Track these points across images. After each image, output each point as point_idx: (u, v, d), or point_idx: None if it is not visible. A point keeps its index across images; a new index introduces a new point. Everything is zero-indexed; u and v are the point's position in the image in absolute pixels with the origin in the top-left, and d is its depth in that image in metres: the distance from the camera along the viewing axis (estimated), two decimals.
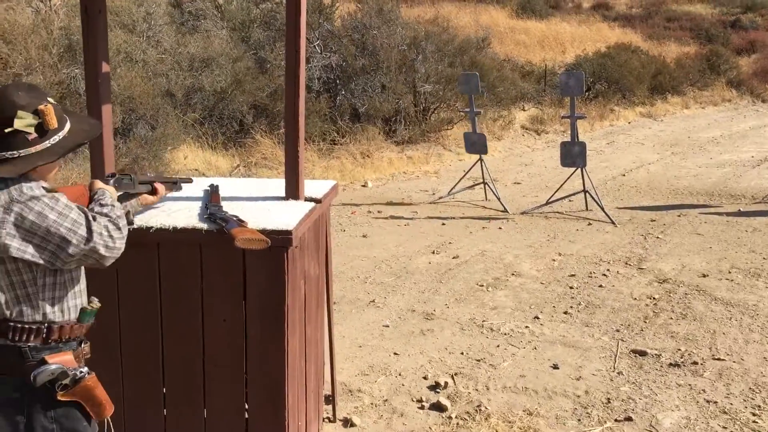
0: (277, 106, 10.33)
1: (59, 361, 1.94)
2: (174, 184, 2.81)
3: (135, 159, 7.97)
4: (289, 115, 2.83)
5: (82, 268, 2.06)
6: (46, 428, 1.95)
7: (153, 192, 2.59)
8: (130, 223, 2.51)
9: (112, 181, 2.36)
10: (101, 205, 2.07)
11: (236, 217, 2.53)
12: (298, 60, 2.76)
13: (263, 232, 2.44)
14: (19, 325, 1.91)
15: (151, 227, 2.52)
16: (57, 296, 1.96)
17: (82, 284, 2.07)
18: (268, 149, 9.72)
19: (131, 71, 8.92)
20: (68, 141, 1.98)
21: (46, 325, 1.94)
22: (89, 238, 1.91)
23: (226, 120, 9.99)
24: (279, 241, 2.47)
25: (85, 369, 2.00)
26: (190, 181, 3.09)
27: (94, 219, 1.95)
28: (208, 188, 2.90)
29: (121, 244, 1.99)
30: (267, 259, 2.50)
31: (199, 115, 9.68)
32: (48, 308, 1.95)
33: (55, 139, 1.95)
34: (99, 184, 2.22)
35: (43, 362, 1.92)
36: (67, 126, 2.00)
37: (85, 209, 1.97)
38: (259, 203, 2.85)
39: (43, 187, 1.94)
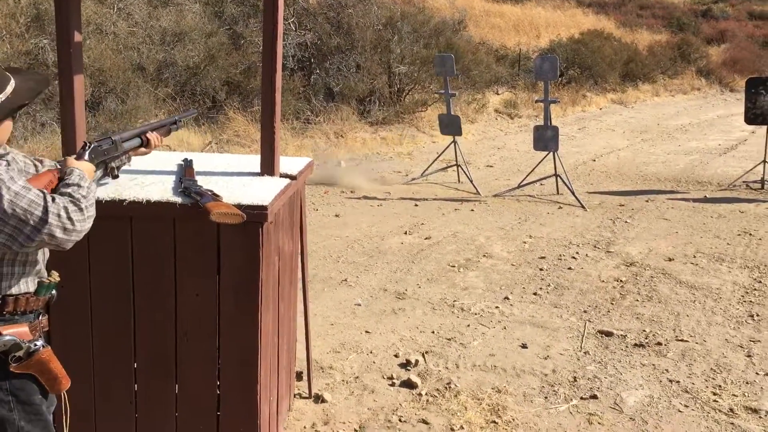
0: (251, 83, 10.23)
1: (13, 333, 1.90)
2: (174, 123, 2.70)
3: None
4: (266, 90, 2.81)
5: None
6: (2, 400, 1.93)
7: (146, 143, 2.49)
8: (114, 177, 2.44)
9: (86, 155, 2.25)
10: (66, 185, 1.97)
11: (211, 191, 2.51)
12: (275, 33, 2.73)
13: (238, 206, 2.43)
14: None
15: (124, 200, 2.49)
16: (12, 271, 1.92)
17: (42, 257, 2.02)
18: (240, 126, 9.63)
19: (101, 43, 8.75)
20: (11, 102, 1.88)
21: (1, 297, 1.90)
22: (45, 218, 1.82)
23: (198, 96, 9.86)
24: (254, 216, 2.46)
25: (41, 342, 1.96)
26: (194, 114, 3.00)
27: (53, 200, 1.85)
28: (182, 162, 2.87)
29: (82, 226, 1.90)
30: (242, 234, 2.49)
31: (171, 90, 9.53)
32: (3, 282, 1.90)
33: None
34: (71, 162, 2.13)
35: None
36: (10, 87, 1.90)
37: (44, 191, 1.87)
38: (234, 178, 2.83)
39: (3, 156, 1.87)
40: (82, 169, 2.10)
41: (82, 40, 2.91)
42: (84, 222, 1.90)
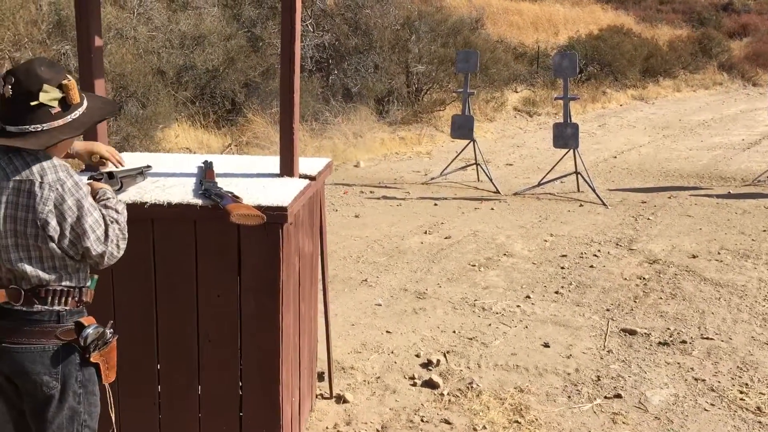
0: (269, 85, 10.26)
1: (91, 323, 2.01)
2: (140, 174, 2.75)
3: (125, 137, 7.92)
4: (284, 92, 2.81)
5: None
6: (76, 393, 2.01)
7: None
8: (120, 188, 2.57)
9: (111, 181, 2.41)
10: (106, 207, 2.09)
11: (231, 193, 2.52)
12: (293, 35, 2.73)
13: (258, 208, 2.44)
14: (58, 289, 1.97)
15: (146, 203, 2.51)
16: (79, 267, 2.03)
17: None
18: (260, 128, 9.67)
19: (122, 48, 8.84)
20: (87, 117, 2.01)
21: (78, 288, 2.01)
22: (105, 241, 1.98)
23: (218, 99, 9.92)
24: (274, 217, 2.46)
25: (111, 330, 2.06)
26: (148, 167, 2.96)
27: (111, 223, 2.01)
28: (203, 165, 2.89)
29: (121, 254, 2.04)
30: (262, 235, 2.50)
31: (190, 93, 9.60)
32: (79, 274, 2.02)
33: (76, 114, 1.97)
34: (97, 184, 2.25)
35: (81, 325, 1.98)
36: (86, 102, 2.03)
37: (104, 211, 2.02)
38: (253, 180, 2.84)
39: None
40: (110, 192, 2.23)
41: (102, 45, 2.94)
42: (123, 250, 2.06)
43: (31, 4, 8.76)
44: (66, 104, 1.94)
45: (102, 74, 2.93)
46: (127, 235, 2.07)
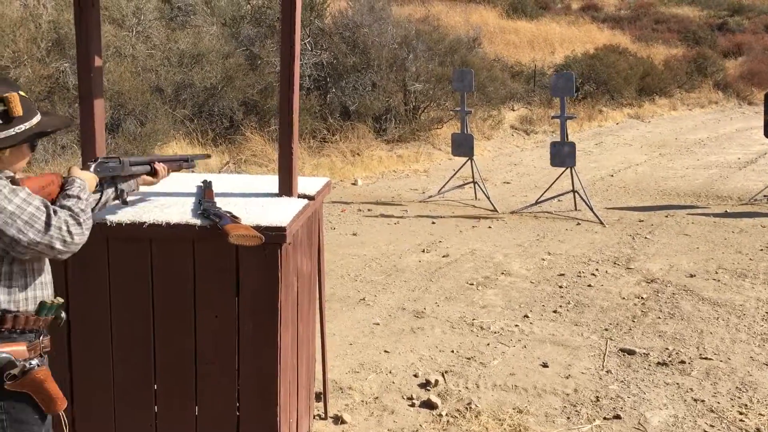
0: (268, 103, 10.31)
1: (10, 351, 1.93)
2: (185, 161, 2.75)
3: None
4: (283, 111, 2.82)
5: (47, 261, 2.05)
6: None
7: (153, 173, 2.56)
8: (123, 202, 2.50)
9: (93, 167, 2.32)
10: (67, 196, 2.04)
11: (230, 213, 2.52)
12: (293, 55, 2.75)
13: (257, 228, 2.43)
14: None
15: (144, 222, 2.50)
16: (12, 286, 1.96)
17: (44, 277, 2.06)
18: (258, 146, 9.69)
19: (120, 66, 8.87)
20: (35, 130, 2.00)
21: (0, 312, 1.94)
22: (46, 231, 1.90)
23: (216, 116, 9.95)
24: (273, 237, 2.46)
25: (36, 361, 1.98)
26: (207, 156, 3.05)
27: (55, 213, 1.93)
28: (202, 184, 2.89)
29: (80, 239, 1.97)
30: (260, 256, 2.49)
31: (188, 111, 9.63)
32: (1, 297, 1.94)
33: (21, 128, 1.96)
34: (75, 171, 2.20)
35: None
36: (36, 118, 2.02)
37: (47, 202, 1.95)
38: (252, 199, 2.84)
39: (8, 177, 1.94)
40: (84, 179, 2.17)
41: (102, 65, 2.95)
42: (82, 235, 1.98)
43: (30, 22, 8.81)
44: (8, 117, 1.93)
45: (101, 94, 2.93)
46: (82, 220, 1.98)
